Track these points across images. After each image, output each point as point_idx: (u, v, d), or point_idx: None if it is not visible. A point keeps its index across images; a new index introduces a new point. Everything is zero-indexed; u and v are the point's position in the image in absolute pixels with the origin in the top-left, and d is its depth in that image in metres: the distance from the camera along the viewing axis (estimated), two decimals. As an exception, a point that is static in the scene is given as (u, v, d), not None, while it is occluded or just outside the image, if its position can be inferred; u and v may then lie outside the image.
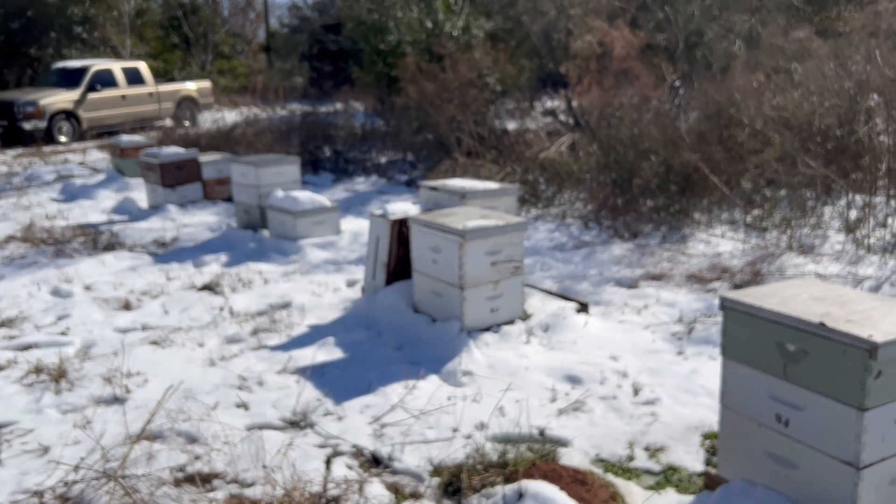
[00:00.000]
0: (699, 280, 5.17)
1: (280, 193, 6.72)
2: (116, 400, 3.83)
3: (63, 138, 16.44)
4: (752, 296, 2.56)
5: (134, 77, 18.20)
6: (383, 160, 11.67)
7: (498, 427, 3.29)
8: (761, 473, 2.54)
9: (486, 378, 3.79)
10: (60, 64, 18.58)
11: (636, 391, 3.64)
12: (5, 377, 4.09)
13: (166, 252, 6.79)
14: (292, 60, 19.11)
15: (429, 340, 4.28)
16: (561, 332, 4.28)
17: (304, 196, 6.58)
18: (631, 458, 3.07)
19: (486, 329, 4.24)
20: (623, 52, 7.57)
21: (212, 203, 8.54)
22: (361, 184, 10.01)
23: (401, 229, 4.86)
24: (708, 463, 3.01)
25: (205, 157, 8.57)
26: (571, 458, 3.05)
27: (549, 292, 4.85)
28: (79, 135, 16.76)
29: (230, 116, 18.67)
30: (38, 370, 4.14)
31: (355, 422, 3.43)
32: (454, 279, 4.20)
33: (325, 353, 4.30)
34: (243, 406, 3.66)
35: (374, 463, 3.11)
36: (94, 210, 8.85)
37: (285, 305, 5.20)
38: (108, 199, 9.41)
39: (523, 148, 8.02)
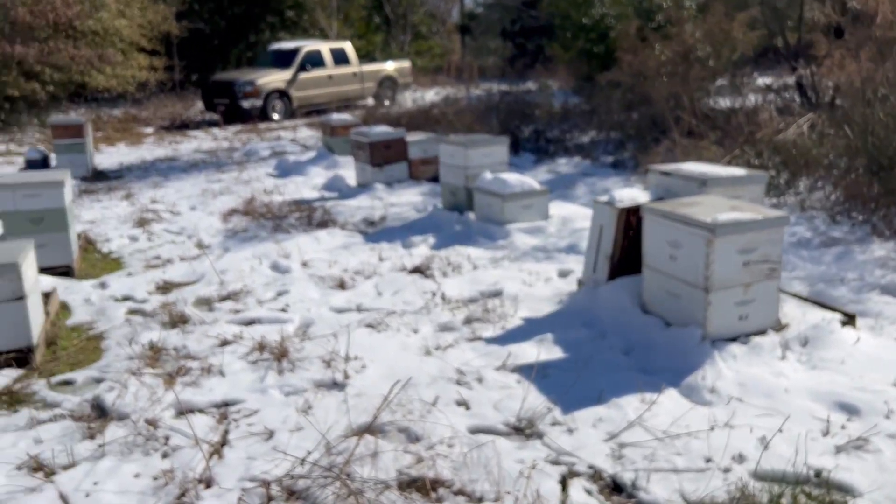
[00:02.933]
0: None
1: (488, 175, 6.48)
2: (335, 385, 3.74)
3: (276, 116, 17.41)
4: None
5: (340, 57, 18.89)
6: (585, 140, 11.17)
7: (764, 462, 2.79)
8: None
9: (737, 398, 3.28)
10: (275, 45, 19.70)
11: (936, 432, 2.96)
12: (232, 352, 4.16)
13: (375, 231, 6.80)
14: (489, 39, 18.91)
15: (662, 347, 3.82)
16: (824, 348, 3.65)
17: (513, 178, 6.30)
18: (944, 522, 2.47)
19: (733, 339, 3.70)
20: (890, 17, 6.50)
21: (416, 183, 8.52)
22: (564, 165, 9.59)
23: (628, 218, 4.41)
24: None
25: (411, 137, 8.55)
26: (864, 512, 2.50)
27: (804, 298, 4.20)
28: (289, 113, 17.69)
29: (428, 96, 18.90)
30: (261, 347, 4.18)
31: (589, 437, 3.07)
32: (697, 279, 3.70)
33: (545, 351, 3.98)
34: (464, 404, 3.43)
35: (616, 490, 2.74)
36: (306, 186, 9.16)
37: (496, 294, 4.94)
38: (318, 175, 9.71)
39: (754, 128, 7.19)
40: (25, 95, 15.89)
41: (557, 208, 6.68)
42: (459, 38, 37.45)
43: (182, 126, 17.30)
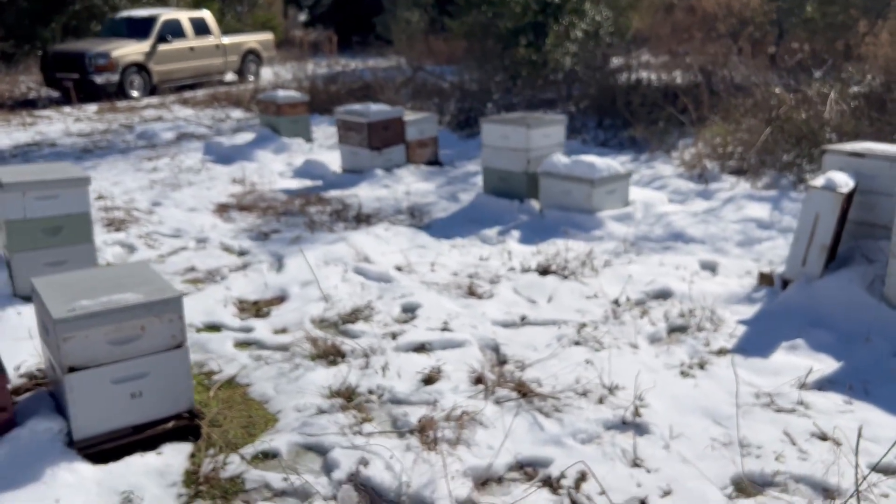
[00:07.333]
0: None
1: (563, 158, 5.84)
2: (627, 424, 3.02)
3: (135, 93, 15.32)
4: None
5: (200, 28, 17.04)
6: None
7: None
8: None
9: None
10: (126, 13, 17.33)
11: None
12: (453, 391, 3.26)
13: (428, 224, 5.91)
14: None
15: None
16: None
17: (599, 161, 5.72)
18: None
19: None
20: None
21: (415, 167, 7.61)
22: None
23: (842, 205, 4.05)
24: None
25: (408, 116, 7.62)
26: None
27: None
28: (150, 89, 15.63)
29: (286, 71, 17.17)
30: (481, 381, 3.33)
31: None
32: None
33: (817, 361, 3.50)
34: (829, 439, 2.87)
35: None
36: (270, 174, 7.88)
37: (664, 294, 4.38)
38: (274, 161, 8.43)
39: (770, 105, 7.18)
40: None
41: (631, 192, 6.12)
42: (282, 9, 35.72)
43: (22, 105, 14.63)
